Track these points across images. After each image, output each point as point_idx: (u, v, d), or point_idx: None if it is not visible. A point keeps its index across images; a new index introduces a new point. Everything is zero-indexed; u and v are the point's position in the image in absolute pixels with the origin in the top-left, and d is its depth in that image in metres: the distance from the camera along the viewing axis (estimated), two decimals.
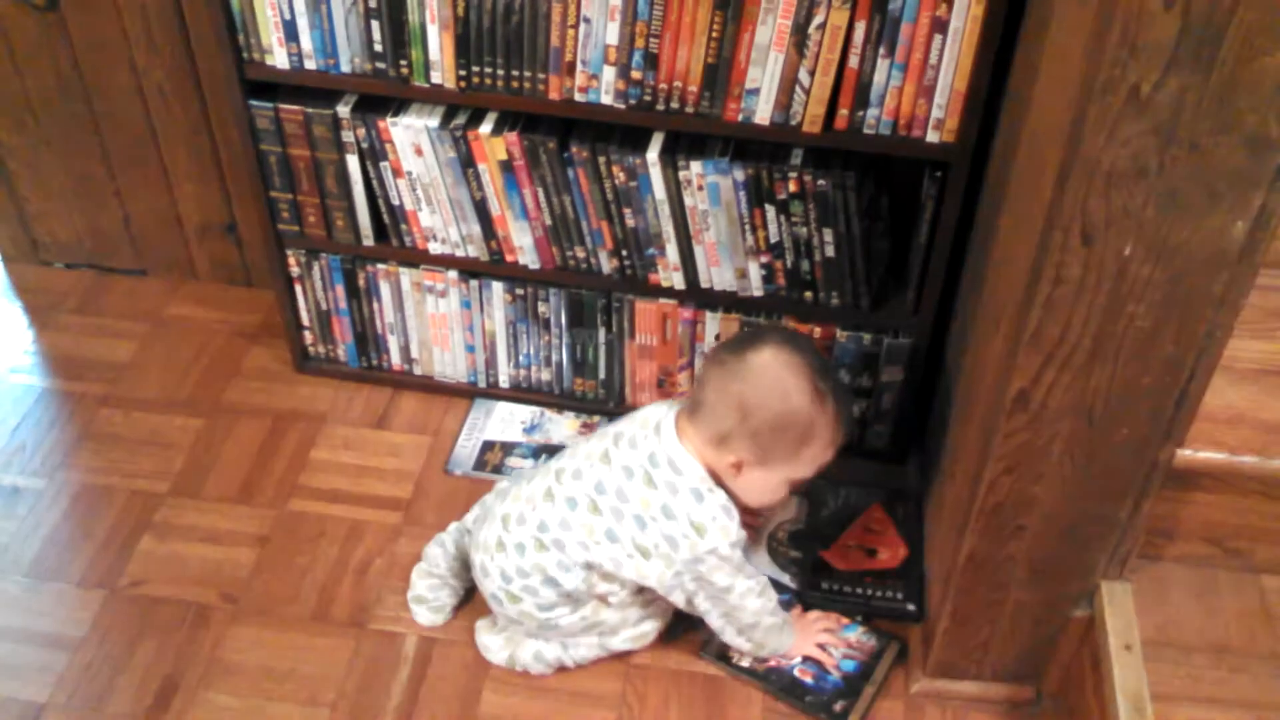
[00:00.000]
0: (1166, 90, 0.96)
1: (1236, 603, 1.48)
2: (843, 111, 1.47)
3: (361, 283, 1.85)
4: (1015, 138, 1.35)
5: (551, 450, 1.87)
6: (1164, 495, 1.36)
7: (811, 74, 1.44)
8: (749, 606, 1.48)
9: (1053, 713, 1.53)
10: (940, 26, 1.38)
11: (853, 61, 1.43)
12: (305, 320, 1.94)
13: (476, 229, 1.72)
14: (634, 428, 1.49)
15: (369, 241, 1.79)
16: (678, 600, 1.49)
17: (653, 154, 1.56)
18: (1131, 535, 1.38)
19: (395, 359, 1.96)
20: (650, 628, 1.57)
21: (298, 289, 1.89)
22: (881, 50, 1.41)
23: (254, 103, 1.65)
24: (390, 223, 1.76)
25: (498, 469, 1.85)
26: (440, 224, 1.73)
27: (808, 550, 1.71)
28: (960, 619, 1.48)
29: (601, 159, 1.58)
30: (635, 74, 1.50)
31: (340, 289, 1.87)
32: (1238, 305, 1.12)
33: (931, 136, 1.46)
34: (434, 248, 1.77)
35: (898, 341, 1.69)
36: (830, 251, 1.60)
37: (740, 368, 1.41)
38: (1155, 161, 1.00)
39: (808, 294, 1.67)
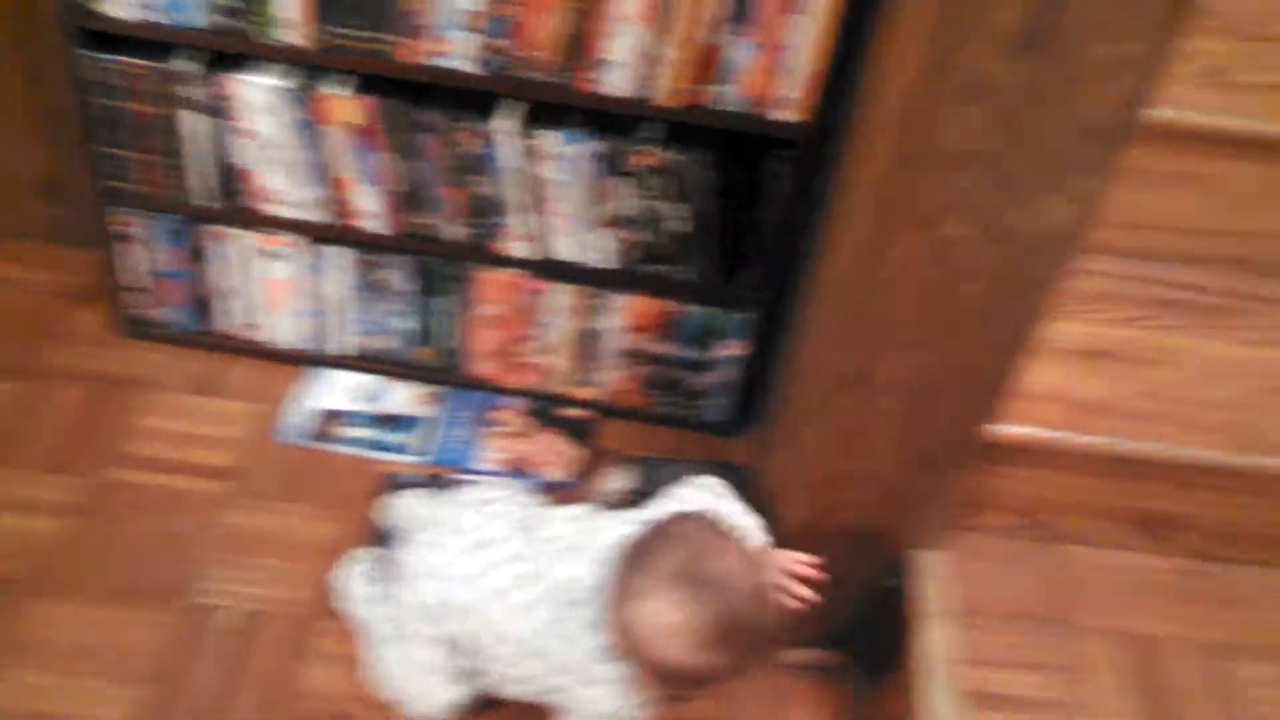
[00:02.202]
0: (1004, 77, 1.01)
1: (1042, 572, 1.58)
2: (699, 87, 1.50)
3: (198, 244, 1.79)
4: (862, 117, 1.39)
5: (391, 420, 1.85)
6: (980, 469, 1.44)
7: (669, 49, 1.47)
8: None
9: (865, 678, 1.60)
10: (794, 6, 1.42)
11: (710, 38, 1.46)
12: (136, 282, 1.86)
13: (322, 193, 1.69)
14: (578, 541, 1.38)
15: (207, 202, 1.73)
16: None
17: (506, 122, 1.56)
18: (947, 507, 1.45)
19: (231, 324, 1.90)
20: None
21: (129, 250, 1.81)
22: (738, 27, 1.44)
23: (88, 54, 1.58)
24: (231, 183, 1.71)
25: (332, 438, 1.82)
26: (284, 186, 1.69)
27: None
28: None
29: (454, 126, 1.57)
30: (493, 41, 1.49)
31: (175, 250, 1.80)
32: (1059, 287, 1.20)
33: (782, 115, 1.50)
34: (278, 211, 1.73)
35: (741, 316, 1.74)
36: (681, 226, 1.63)
37: (625, 601, 1.21)
38: (991, 145, 1.06)
39: (657, 267, 1.70)
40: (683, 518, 1.27)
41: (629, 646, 1.22)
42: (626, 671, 1.29)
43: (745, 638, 1.19)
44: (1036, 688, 1.47)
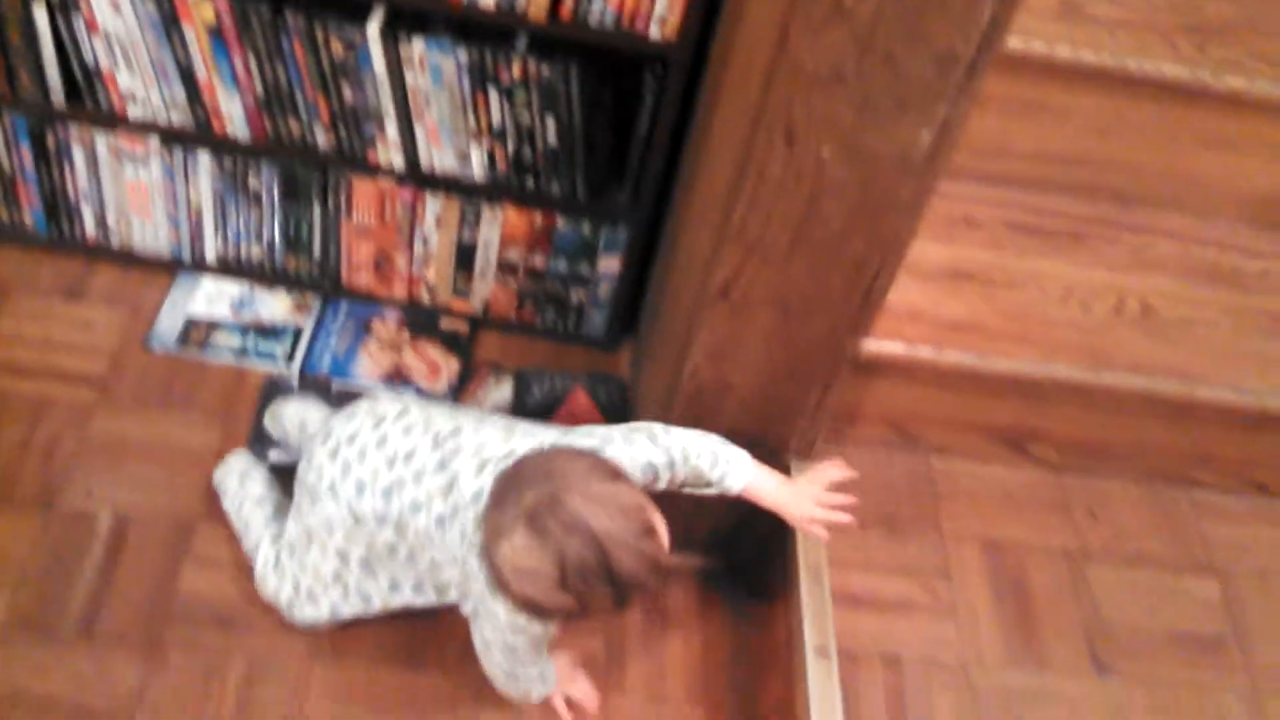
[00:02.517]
0: (866, 2, 1.01)
1: (908, 480, 1.63)
2: (568, 1, 1.46)
3: (51, 145, 1.71)
4: (731, 38, 1.38)
5: (263, 329, 1.81)
6: (849, 382, 1.47)
7: None
8: (494, 671, 1.41)
9: (744, 582, 1.64)
10: None
11: None
12: None
13: (181, 94, 1.62)
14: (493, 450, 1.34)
15: (59, 102, 1.65)
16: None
17: (373, 28, 1.50)
18: (819, 419, 1.48)
19: (90, 228, 1.83)
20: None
21: None
22: None
23: None
24: (84, 83, 1.62)
25: (203, 346, 1.78)
26: (141, 87, 1.61)
27: None
28: (661, 498, 1.55)
29: (319, 29, 1.51)
30: None
31: (26, 151, 1.72)
32: (921, 209, 1.21)
33: (653, 32, 1.47)
34: (134, 111, 1.65)
35: (616, 232, 1.73)
36: (552, 139, 1.60)
37: (490, 538, 1.20)
38: (853, 68, 1.06)
39: (529, 180, 1.67)
40: (555, 453, 1.25)
41: (496, 581, 1.21)
42: None
43: (605, 581, 1.16)
44: (907, 591, 1.52)
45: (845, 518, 1.39)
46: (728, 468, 1.37)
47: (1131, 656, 1.51)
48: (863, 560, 1.54)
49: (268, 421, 1.67)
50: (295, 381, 1.76)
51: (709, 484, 1.37)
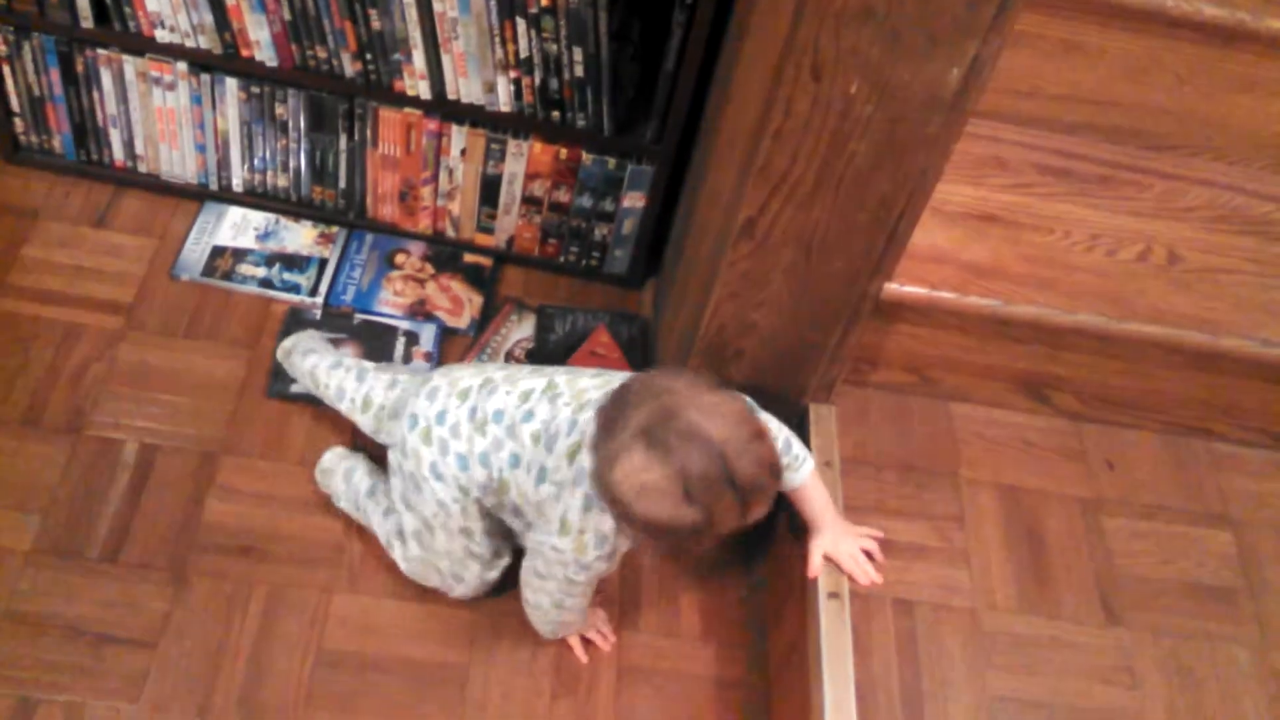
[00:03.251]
0: None
1: (926, 426, 1.63)
2: None
3: (80, 68, 1.72)
4: None
5: (287, 259, 1.82)
6: (870, 325, 1.46)
7: None
8: (541, 602, 1.41)
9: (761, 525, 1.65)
10: None
11: None
12: (15, 106, 1.78)
13: (209, 18, 1.62)
14: (588, 393, 1.35)
15: (88, 23, 1.65)
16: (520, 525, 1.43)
17: None
18: (839, 361, 1.48)
19: (118, 154, 1.84)
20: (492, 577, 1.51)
21: (5, 70, 1.73)
22: None
23: None
24: (113, 4, 1.63)
25: (228, 275, 1.79)
26: (169, 9, 1.61)
27: None
28: None
29: None
30: None
31: (55, 73, 1.72)
32: (948, 149, 1.20)
33: None
34: (161, 35, 1.65)
35: (641, 168, 1.72)
36: (579, 71, 1.59)
37: (604, 472, 1.19)
38: (883, 3, 1.05)
39: (555, 113, 1.67)
40: (655, 374, 1.26)
41: (617, 509, 1.21)
42: (599, 524, 1.29)
43: (729, 486, 1.16)
44: (921, 535, 1.52)
45: (873, 574, 1.43)
46: (797, 460, 1.40)
47: (1142, 607, 1.51)
48: (878, 504, 1.54)
49: (280, 357, 1.67)
50: (318, 314, 1.77)
51: None
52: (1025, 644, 1.46)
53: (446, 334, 1.79)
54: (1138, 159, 1.68)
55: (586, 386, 1.34)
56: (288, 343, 1.66)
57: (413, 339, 1.77)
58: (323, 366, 1.59)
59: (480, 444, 1.36)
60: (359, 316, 1.79)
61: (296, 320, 1.75)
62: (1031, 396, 1.64)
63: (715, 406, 1.18)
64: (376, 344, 1.75)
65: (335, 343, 1.71)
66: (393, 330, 1.77)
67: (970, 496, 1.58)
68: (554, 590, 1.37)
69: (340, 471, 1.57)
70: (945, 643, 1.44)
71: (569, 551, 1.31)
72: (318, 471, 1.59)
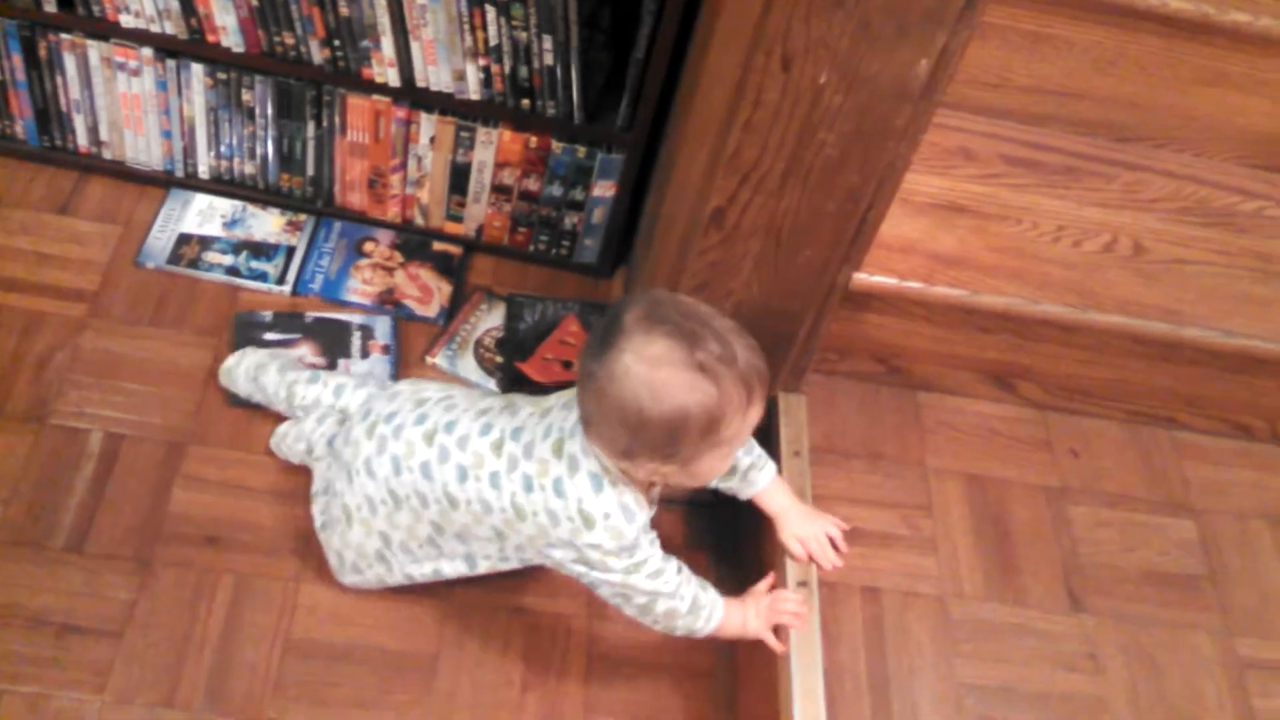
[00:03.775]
0: None
1: (894, 415, 1.64)
2: None
3: (43, 53, 1.69)
4: None
5: (254, 247, 1.81)
6: (839, 315, 1.47)
7: None
8: (657, 609, 1.32)
9: (729, 512, 1.65)
10: None
11: None
12: None
13: (175, 3, 1.60)
14: (549, 400, 1.32)
15: (51, 7, 1.63)
16: (562, 570, 1.33)
17: None
18: (808, 351, 1.49)
19: (82, 140, 1.82)
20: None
21: None
22: None
23: None
24: None
25: (194, 263, 1.77)
26: None
27: (509, 359, 1.74)
28: None
29: None
30: None
31: (17, 58, 1.70)
32: (917, 140, 1.21)
33: None
34: (126, 20, 1.63)
35: (611, 156, 1.72)
36: (549, 59, 1.59)
37: (607, 380, 1.16)
38: None
39: (525, 101, 1.66)
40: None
41: (629, 420, 1.15)
42: (618, 497, 1.24)
43: (732, 361, 1.15)
44: (889, 524, 1.54)
45: (836, 560, 1.43)
46: (761, 459, 1.40)
47: (1106, 594, 1.53)
48: (846, 493, 1.55)
49: (223, 380, 1.63)
50: (268, 315, 1.73)
51: (734, 470, 1.40)
52: (991, 631, 1.47)
53: (412, 323, 1.78)
54: (1104, 150, 1.70)
55: (546, 399, 1.32)
56: (239, 366, 1.62)
57: (368, 332, 1.75)
58: (301, 382, 1.56)
59: (422, 453, 1.32)
60: (310, 315, 1.76)
61: (246, 323, 1.72)
62: (998, 386, 1.65)
63: (696, 301, 1.21)
64: (331, 341, 1.73)
65: (289, 343, 1.69)
66: (346, 325, 1.75)
67: (937, 485, 1.59)
68: (639, 591, 1.29)
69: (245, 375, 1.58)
70: (912, 630, 1.45)
71: (607, 542, 1.24)
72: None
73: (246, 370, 1.59)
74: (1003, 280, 1.50)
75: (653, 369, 1.13)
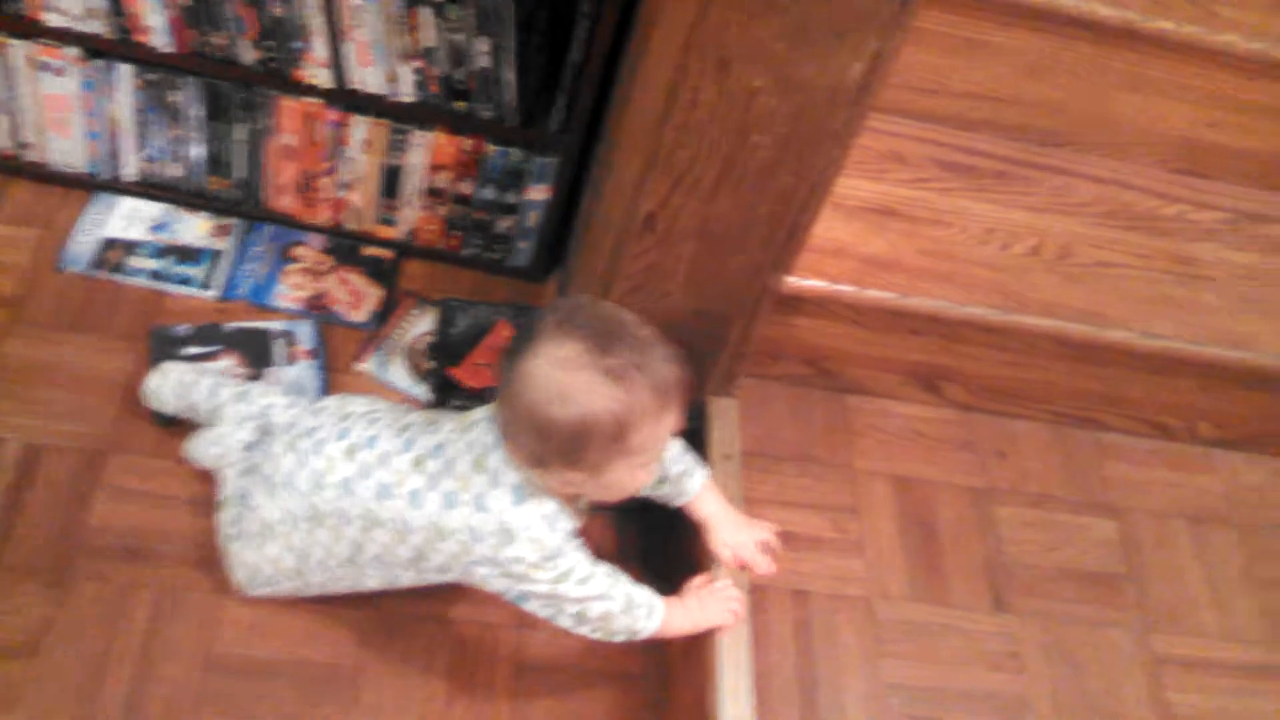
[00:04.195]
0: None
1: (824, 418, 1.66)
2: None
3: None
4: None
5: (181, 252, 1.78)
6: (771, 319, 1.49)
7: None
8: (591, 614, 1.30)
9: (660, 520, 1.66)
10: None
11: None
12: None
13: (102, 2, 1.57)
14: (473, 415, 1.30)
15: None
16: (486, 588, 1.30)
17: None
18: (742, 354, 1.50)
19: (3, 142, 1.77)
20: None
21: None
22: None
23: None
24: None
25: (118, 268, 1.74)
26: None
27: (440, 365, 1.73)
28: None
29: None
30: None
31: None
32: (850, 144, 1.23)
33: None
34: (51, 19, 1.60)
35: (545, 160, 1.72)
36: (484, 62, 1.59)
37: (518, 383, 1.15)
38: None
39: (459, 104, 1.66)
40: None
41: (538, 423, 1.14)
42: (539, 509, 1.23)
43: (645, 373, 1.14)
44: (819, 527, 1.56)
45: (770, 566, 1.44)
46: (690, 468, 1.40)
47: (1030, 593, 1.56)
48: (776, 496, 1.57)
49: (150, 402, 1.59)
50: (186, 329, 1.69)
51: (665, 478, 1.40)
52: (917, 631, 1.49)
53: (342, 328, 1.76)
54: (1032, 155, 1.74)
55: (470, 414, 1.30)
56: (164, 385, 1.58)
57: (291, 339, 1.72)
58: (229, 402, 1.52)
59: (343, 469, 1.29)
60: (230, 325, 1.72)
61: (163, 338, 1.67)
62: (925, 388, 1.68)
63: (618, 308, 1.21)
64: (254, 350, 1.69)
65: (211, 356, 1.66)
66: (268, 333, 1.72)
67: (865, 487, 1.62)
68: (569, 600, 1.28)
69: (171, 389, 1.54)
70: (840, 632, 1.47)
71: (530, 554, 1.23)
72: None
73: (174, 388, 1.56)
74: (932, 283, 1.53)
75: (562, 371, 1.13)
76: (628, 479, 1.23)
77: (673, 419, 1.19)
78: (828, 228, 1.51)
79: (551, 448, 1.16)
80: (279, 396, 1.50)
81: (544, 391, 1.13)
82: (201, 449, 1.50)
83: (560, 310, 1.18)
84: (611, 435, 1.14)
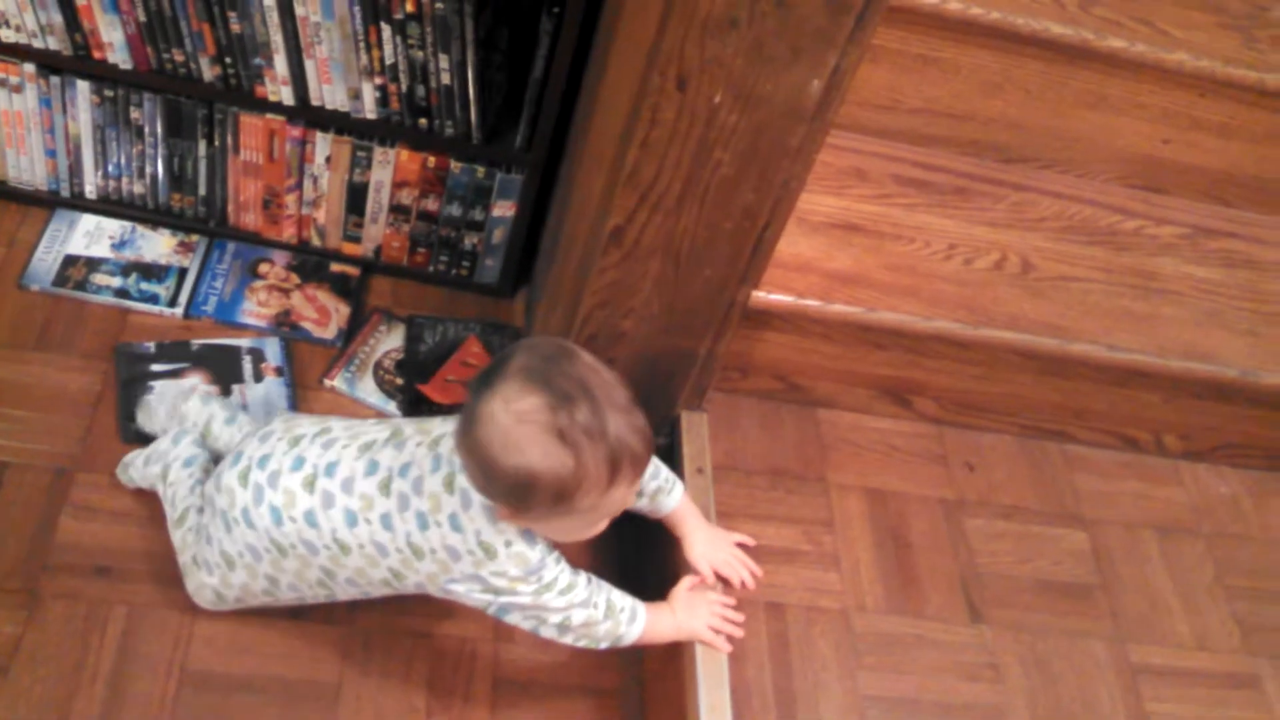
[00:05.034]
0: None
1: (795, 432, 1.65)
2: None
3: None
4: None
5: (144, 269, 1.76)
6: (739, 334, 1.48)
7: None
8: (574, 622, 1.29)
9: (636, 530, 1.65)
10: None
11: None
12: None
13: (58, 18, 1.56)
14: (436, 427, 1.28)
15: None
16: (466, 603, 1.28)
17: None
18: (709, 370, 1.50)
19: None
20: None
21: None
22: None
23: None
24: None
25: (81, 285, 1.72)
26: (14, 8, 1.55)
27: (409, 381, 1.72)
28: None
29: None
30: None
31: None
32: (811, 159, 1.22)
33: None
34: (6, 35, 1.59)
35: (510, 176, 1.72)
36: (446, 79, 1.58)
37: (473, 419, 1.13)
38: (746, 14, 1.06)
39: (422, 121, 1.65)
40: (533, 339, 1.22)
41: (481, 463, 1.13)
42: (516, 528, 1.21)
43: (601, 438, 1.10)
44: (793, 540, 1.55)
45: (748, 579, 1.45)
46: (668, 483, 1.40)
47: (1003, 604, 1.56)
48: (749, 509, 1.56)
49: (141, 419, 1.58)
50: (151, 346, 1.68)
51: (641, 493, 1.39)
52: (893, 643, 1.49)
53: (309, 345, 1.75)
54: (992, 171, 1.75)
55: (432, 425, 1.28)
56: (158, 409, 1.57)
57: (258, 356, 1.71)
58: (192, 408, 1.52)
59: (304, 502, 1.26)
60: (197, 342, 1.70)
61: (129, 355, 1.66)
62: (895, 402, 1.68)
63: (597, 365, 1.15)
64: (222, 367, 1.68)
65: (177, 373, 1.65)
66: (235, 350, 1.71)
67: (838, 500, 1.61)
68: (552, 610, 1.27)
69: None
70: (817, 644, 1.46)
71: (513, 569, 1.22)
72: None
73: (169, 410, 1.54)
74: (897, 298, 1.53)
75: (515, 422, 1.10)
76: (578, 530, 1.21)
77: (626, 488, 1.16)
78: (793, 243, 1.51)
79: (497, 489, 1.15)
80: (234, 411, 1.49)
81: (492, 436, 1.11)
82: (137, 468, 1.49)
83: (534, 354, 1.14)
84: (555, 496, 1.12)
